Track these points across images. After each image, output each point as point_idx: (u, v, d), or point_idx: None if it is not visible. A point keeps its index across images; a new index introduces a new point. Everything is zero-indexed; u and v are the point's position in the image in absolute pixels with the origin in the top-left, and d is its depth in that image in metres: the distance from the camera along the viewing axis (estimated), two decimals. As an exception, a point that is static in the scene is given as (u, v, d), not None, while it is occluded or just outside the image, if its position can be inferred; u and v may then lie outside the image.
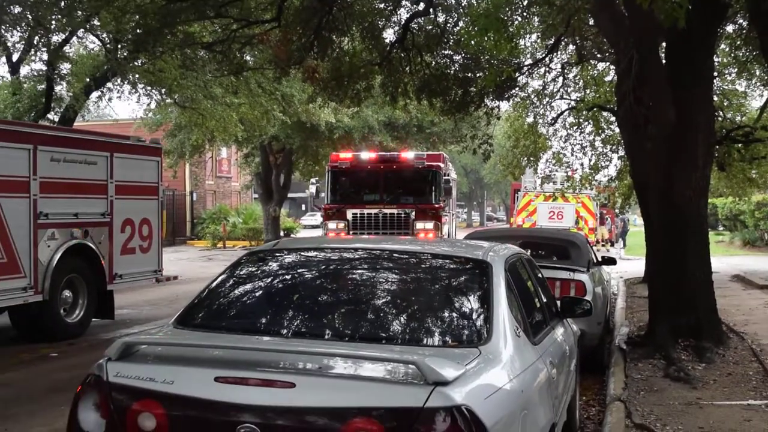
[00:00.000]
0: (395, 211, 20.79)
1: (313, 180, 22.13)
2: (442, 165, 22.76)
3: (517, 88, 21.65)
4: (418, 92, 20.47)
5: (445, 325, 4.54)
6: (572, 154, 23.63)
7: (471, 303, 4.71)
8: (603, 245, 33.00)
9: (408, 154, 23.16)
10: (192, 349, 4.19)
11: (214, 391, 3.70)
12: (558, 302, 6.90)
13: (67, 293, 13.00)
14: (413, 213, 20.71)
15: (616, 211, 34.66)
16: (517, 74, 20.70)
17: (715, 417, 7.68)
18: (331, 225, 21.70)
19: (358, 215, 21.31)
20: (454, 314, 4.65)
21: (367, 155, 23.64)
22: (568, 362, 6.40)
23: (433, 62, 19.91)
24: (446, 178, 21.30)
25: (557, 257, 11.23)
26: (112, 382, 3.89)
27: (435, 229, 22.70)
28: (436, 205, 21.44)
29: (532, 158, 24.44)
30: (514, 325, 4.65)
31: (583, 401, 8.85)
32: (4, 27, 21.49)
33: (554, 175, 25.85)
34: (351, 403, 3.59)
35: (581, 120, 22.17)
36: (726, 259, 21.47)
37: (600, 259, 12.90)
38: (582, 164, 23.86)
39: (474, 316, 4.60)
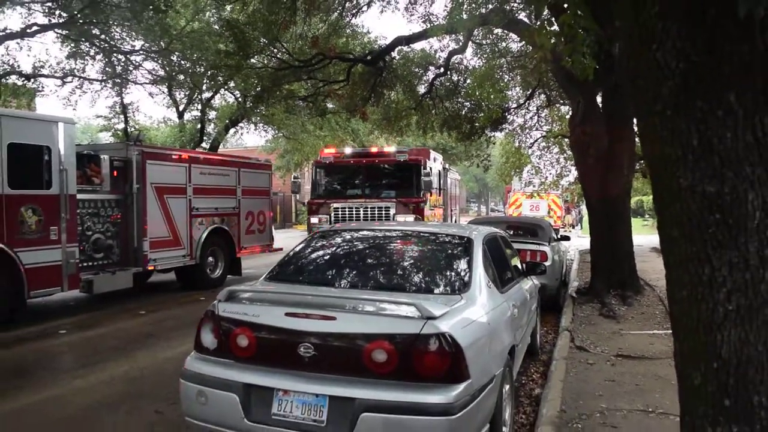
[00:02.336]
0: (377, 204, 14.56)
1: (295, 174, 15.58)
2: (425, 160, 15.92)
3: (506, 123, 21.48)
4: (440, 127, 20.47)
5: (439, 280, 4.50)
6: (544, 167, 23.39)
7: (457, 265, 4.66)
8: (569, 228, 32.59)
9: (390, 149, 16.43)
10: (271, 294, 4.25)
11: (284, 321, 3.75)
12: (524, 265, 6.85)
13: (210, 259, 13.12)
14: (394, 206, 14.45)
15: (577, 204, 34.24)
16: (506, 114, 20.55)
17: (630, 341, 7.54)
18: (314, 219, 15.34)
19: (341, 209, 14.92)
20: (445, 273, 4.60)
21: (350, 150, 17.31)
22: (529, 304, 6.33)
23: (450, 106, 19.83)
24: (426, 171, 14.83)
25: (530, 235, 11.09)
26: (221, 315, 3.96)
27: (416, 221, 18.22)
28: (416, 199, 14.82)
29: (517, 170, 24.22)
30: (486, 280, 4.62)
31: (544, 331, 8.73)
32: (173, 89, 21.87)
33: (533, 181, 25.51)
34: (372, 330, 3.60)
35: (550, 144, 21.93)
36: (648, 237, 20.90)
37: (559, 237, 12.74)
38: (551, 174, 23.55)
39: (459, 274, 4.55)
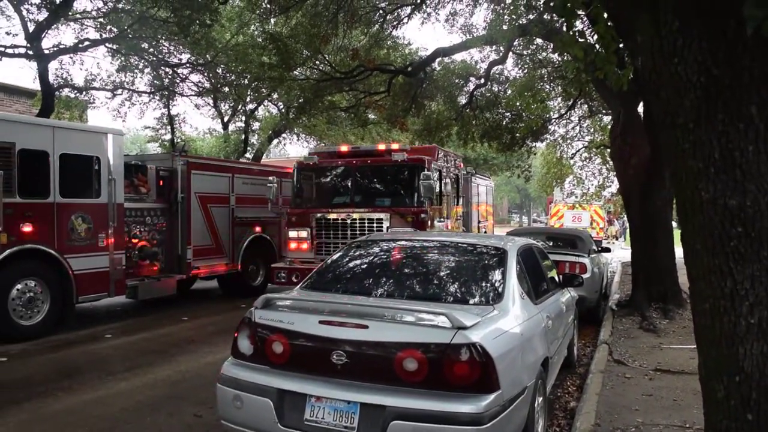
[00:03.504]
0: (367, 215, 11.10)
1: (270, 178, 12.58)
2: (429, 160, 11.69)
3: (547, 134, 21.37)
4: (481, 137, 20.47)
5: (472, 290, 4.52)
6: (586, 178, 23.12)
7: (490, 276, 4.66)
8: (612, 239, 32.06)
9: (386, 146, 12.37)
10: (306, 302, 4.34)
11: (318, 329, 3.83)
12: (560, 276, 6.80)
13: (252, 267, 13.33)
14: (388, 217, 10.99)
15: (620, 215, 33.67)
16: (547, 124, 20.45)
17: (670, 356, 7.41)
18: (291, 234, 11.68)
19: (324, 221, 11.42)
20: (479, 283, 4.61)
21: (337, 149, 13.07)
22: (565, 316, 6.28)
23: (491, 117, 19.82)
24: (426, 173, 11.01)
25: (569, 247, 10.98)
26: (257, 322, 4.07)
27: None
28: (416, 209, 10.98)
29: (558, 180, 24.06)
30: (520, 291, 4.63)
31: (582, 344, 8.65)
32: (218, 100, 22.34)
33: (574, 192, 25.23)
34: (404, 339, 3.65)
35: (592, 155, 21.67)
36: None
37: (600, 249, 12.56)
38: (593, 184, 23.25)
39: (492, 285, 4.56)
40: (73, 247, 9.14)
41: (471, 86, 19.48)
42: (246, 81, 19.61)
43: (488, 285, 4.60)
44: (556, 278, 6.59)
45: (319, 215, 11.43)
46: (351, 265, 5.16)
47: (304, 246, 11.43)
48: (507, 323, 4.11)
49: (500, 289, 4.49)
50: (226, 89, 20.69)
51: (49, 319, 8.86)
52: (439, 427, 3.45)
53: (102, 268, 9.60)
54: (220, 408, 4.10)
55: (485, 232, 19.06)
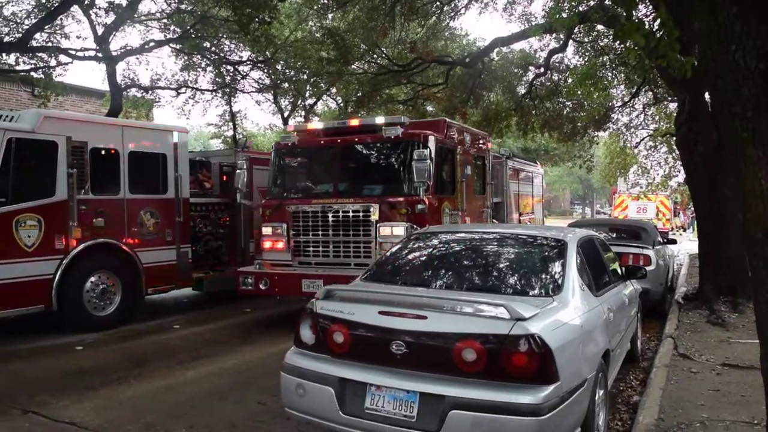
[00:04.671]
0: (351, 207, 8.94)
1: (240, 162, 10.23)
2: (429, 137, 9.16)
3: (610, 122, 20.92)
4: (541, 127, 20.24)
5: (531, 282, 4.53)
6: (651, 168, 22.47)
7: (550, 268, 4.65)
8: (679, 230, 31.10)
9: (377, 120, 9.62)
10: (366, 293, 4.43)
11: (378, 319, 3.93)
12: (623, 269, 6.70)
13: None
14: (377, 210, 8.77)
15: (688, 205, 32.59)
16: (609, 113, 20.01)
17: (739, 351, 7.18)
18: (266, 230, 9.55)
19: (302, 215, 9.20)
20: (538, 275, 4.61)
21: (321, 125, 10.35)
22: (628, 309, 6.19)
23: (551, 107, 19.56)
24: (420, 152, 8.40)
25: (633, 238, 10.76)
26: (319, 313, 4.18)
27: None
28: (410, 197, 8.68)
29: (622, 170, 23.51)
30: (580, 283, 4.61)
31: (646, 337, 8.48)
32: (278, 96, 22.76)
33: (639, 182, 24.55)
34: (462, 330, 3.70)
35: (657, 143, 21.05)
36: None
37: (665, 240, 12.23)
38: (659, 174, 22.57)
39: (551, 276, 4.55)
40: (142, 241, 9.53)
41: (530, 76, 19.29)
42: (305, 76, 19.96)
43: (548, 277, 4.59)
44: (619, 270, 6.50)
45: (295, 207, 9.19)
46: (410, 256, 5.24)
47: (280, 245, 9.30)
48: (567, 315, 4.11)
49: (560, 281, 4.48)
50: (286, 85, 21.11)
51: (121, 310, 9.24)
52: (498, 417, 3.48)
53: (169, 262, 9.97)
54: (284, 396, 4.24)
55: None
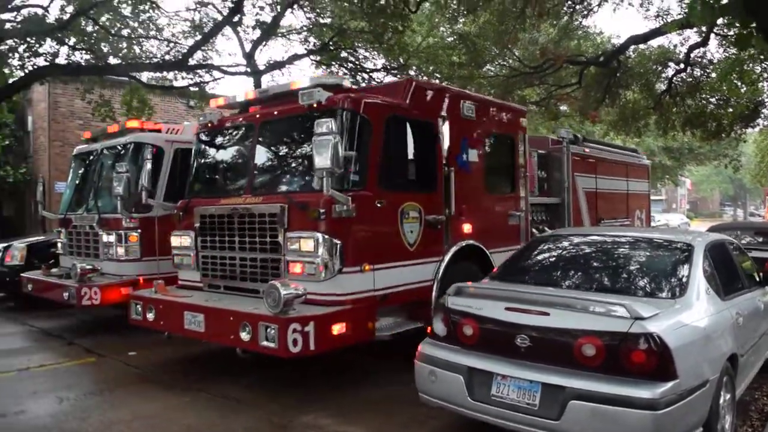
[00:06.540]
0: (256, 208, 6.16)
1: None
2: (373, 104, 6.07)
3: (760, 119, 19.70)
4: (683, 126, 19.43)
5: (655, 284, 4.69)
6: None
7: (674, 271, 4.77)
8: None
9: (296, 82, 6.51)
10: (493, 290, 4.83)
11: (504, 315, 4.33)
12: (763, 275, 6.56)
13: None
14: (285, 212, 5.86)
15: None
16: (759, 108, 18.87)
17: None
18: (174, 240, 7.15)
19: (207, 219, 6.68)
20: (662, 277, 4.75)
21: (243, 98, 7.30)
22: (763, 315, 6.11)
23: (693, 104, 18.73)
24: (326, 122, 5.16)
25: (782, 243, 10.24)
26: (450, 308, 4.65)
27: (328, 252, 5.62)
28: (325, 196, 5.38)
29: (775, 169, 22.04)
30: (705, 286, 4.69)
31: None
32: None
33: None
34: (584, 327, 4.00)
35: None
36: None
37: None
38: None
39: (676, 279, 4.67)
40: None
41: (670, 72, 18.55)
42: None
43: (672, 279, 4.72)
44: (756, 277, 6.39)
45: (203, 210, 6.90)
46: (534, 258, 5.56)
47: (187, 260, 7.10)
48: (689, 317, 4.26)
49: (684, 283, 4.60)
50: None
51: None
52: (615, 409, 3.73)
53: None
54: (418, 382, 4.73)
55: None
